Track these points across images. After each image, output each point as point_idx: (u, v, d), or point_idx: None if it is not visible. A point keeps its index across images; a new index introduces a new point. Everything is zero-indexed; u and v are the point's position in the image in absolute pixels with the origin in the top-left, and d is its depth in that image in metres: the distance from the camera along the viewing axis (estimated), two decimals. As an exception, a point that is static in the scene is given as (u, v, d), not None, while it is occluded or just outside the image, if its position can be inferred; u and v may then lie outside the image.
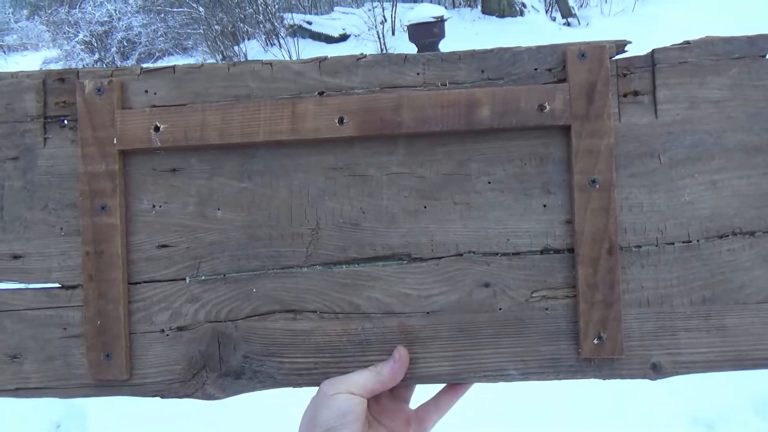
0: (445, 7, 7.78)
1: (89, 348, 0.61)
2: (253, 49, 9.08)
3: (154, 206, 0.63)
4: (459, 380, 0.62)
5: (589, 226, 0.59)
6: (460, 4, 9.32)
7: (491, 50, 0.63)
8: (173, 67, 0.63)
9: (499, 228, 0.62)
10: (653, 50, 0.63)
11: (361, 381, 0.58)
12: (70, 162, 0.63)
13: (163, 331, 0.62)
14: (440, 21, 6.15)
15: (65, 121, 0.63)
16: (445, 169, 0.62)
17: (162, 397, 0.62)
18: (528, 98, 0.60)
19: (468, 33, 7.72)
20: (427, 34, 6.16)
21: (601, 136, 0.60)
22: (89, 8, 14.59)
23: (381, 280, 0.62)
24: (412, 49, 6.45)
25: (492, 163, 0.62)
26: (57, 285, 0.63)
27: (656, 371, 0.60)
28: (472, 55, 0.62)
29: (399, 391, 0.64)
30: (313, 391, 0.61)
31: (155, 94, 0.63)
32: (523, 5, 8.21)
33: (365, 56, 0.63)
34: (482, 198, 0.62)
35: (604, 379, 0.61)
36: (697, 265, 0.61)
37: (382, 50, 7.45)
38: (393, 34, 8.33)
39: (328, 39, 9.13)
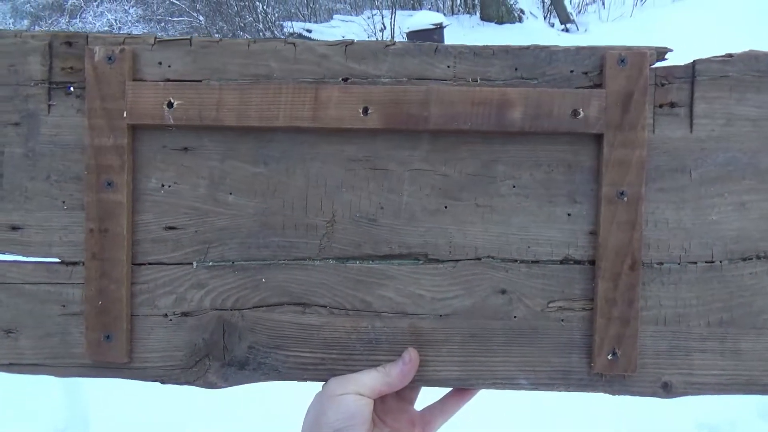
0: (444, 14, 7.81)
1: (89, 328, 0.59)
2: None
3: (162, 185, 0.60)
4: (467, 386, 0.61)
5: (614, 240, 0.58)
6: (458, 11, 9.36)
7: (527, 47, 0.60)
8: (190, 38, 0.60)
9: (520, 234, 0.60)
10: (695, 61, 0.61)
11: (369, 382, 0.57)
12: (75, 132, 0.60)
13: (166, 315, 0.60)
14: (439, 28, 6.17)
15: (71, 88, 0.60)
16: (470, 169, 0.60)
17: (162, 382, 0.60)
18: (562, 102, 0.58)
19: (467, 39, 7.73)
20: (426, 40, 6.17)
21: (634, 147, 0.58)
22: (90, 18, 14.65)
23: (395, 279, 0.60)
24: (411, 56, 6.46)
25: (519, 166, 0.60)
26: (57, 260, 0.60)
27: (667, 390, 0.59)
28: (507, 51, 0.60)
29: (405, 392, 0.63)
30: (317, 386, 0.60)
31: (169, 66, 0.60)
32: (522, 11, 8.25)
33: (395, 43, 0.61)
34: (506, 202, 0.60)
35: (613, 394, 0.60)
36: (718, 286, 0.60)
37: (381, 57, 7.46)
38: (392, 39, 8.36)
39: (328, 47, 9.16)
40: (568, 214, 0.60)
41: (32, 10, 18.64)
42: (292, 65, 0.60)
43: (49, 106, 0.60)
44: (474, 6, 9.02)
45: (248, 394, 2.27)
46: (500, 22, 8.24)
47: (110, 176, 0.58)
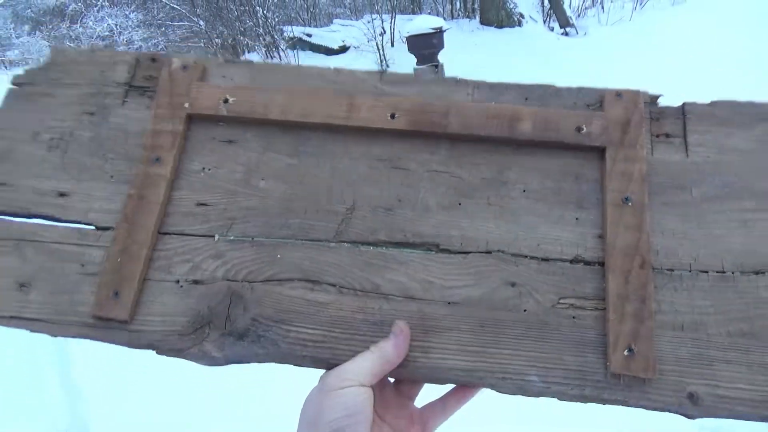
0: (444, 18, 7.84)
1: (101, 284, 0.60)
2: (254, 62, 9.12)
3: (203, 168, 0.66)
4: (475, 380, 0.57)
5: (621, 241, 0.59)
6: (458, 15, 9.40)
7: (537, 84, 0.67)
8: (252, 62, 0.71)
9: (530, 232, 0.62)
10: (684, 104, 0.66)
11: (368, 365, 0.54)
12: (140, 123, 0.68)
13: (178, 281, 0.62)
14: (439, 32, 6.19)
15: (146, 91, 0.70)
16: (484, 173, 0.64)
17: (156, 349, 0.59)
18: (567, 120, 0.64)
19: (467, 43, 7.77)
20: (426, 45, 6.20)
21: (635, 162, 0.62)
22: (90, 23, 14.70)
23: (406, 265, 0.61)
24: (411, 60, 6.48)
25: (529, 175, 0.64)
26: (90, 226, 0.64)
27: (694, 402, 0.56)
28: (519, 86, 0.68)
29: (405, 388, 0.62)
30: (314, 379, 0.58)
31: (232, 79, 0.69)
32: (521, 15, 8.27)
33: (421, 74, 0.70)
34: (516, 203, 0.63)
35: (632, 404, 0.56)
36: (733, 296, 0.59)
37: (381, 62, 7.49)
38: (392, 45, 8.39)
39: (328, 51, 9.19)
40: (576, 218, 0.62)
41: (33, 15, 18.72)
42: (334, 84, 0.69)
43: (124, 101, 0.69)
44: (474, 10, 9.05)
45: (248, 393, 2.26)
46: (500, 26, 8.27)
47: (160, 153, 0.65)
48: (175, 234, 0.64)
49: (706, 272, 0.60)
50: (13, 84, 0.71)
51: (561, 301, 0.59)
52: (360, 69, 0.70)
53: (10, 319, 0.61)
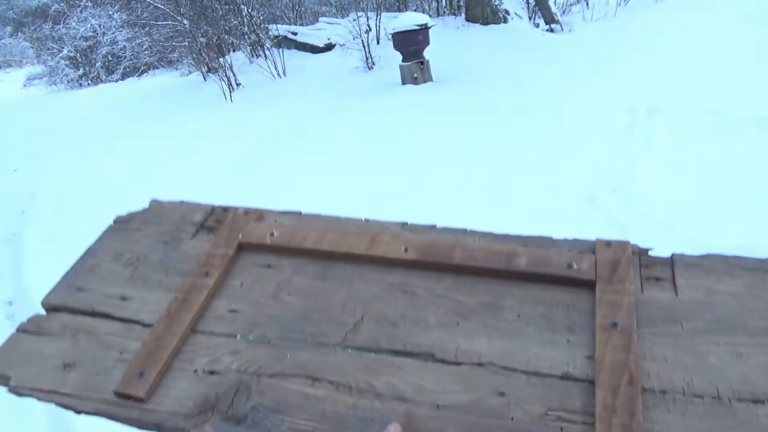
0: (429, 15, 7.83)
1: (130, 365, 0.68)
2: (239, 61, 9.07)
3: (242, 284, 0.77)
4: None
5: (610, 359, 0.61)
6: (444, 12, 9.39)
7: (535, 236, 0.76)
8: (300, 212, 0.85)
9: (522, 350, 0.65)
10: (672, 255, 0.70)
11: None
12: (202, 251, 0.81)
13: (196, 371, 0.68)
14: (424, 29, 6.18)
15: (214, 230, 0.84)
16: (483, 300, 0.71)
17: (160, 428, 0.63)
18: (559, 257, 0.71)
19: (452, 40, 7.76)
20: (411, 41, 6.19)
21: (623, 295, 0.65)
22: (74, 23, 14.54)
23: (401, 370, 0.65)
24: (396, 57, 6.47)
25: (524, 303, 0.69)
26: (138, 322, 0.73)
27: None
28: (519, 236, 0.76)
29: None
30: None
31: (281, 221, 0.85)
32: (507, 12, 8.29)
33: (435, 226, 0.80)
34: (510, 326, 0.67)
35: None
36: (731, 423, 0.56)
37: (367, 59, 7.47)
38: (378, 42, 8.37)
39: (314, 49, 9.15)
40: (567, 341, 0.65)
41: (15, 16, 18.45)
42: (363, 228, 0.81)
43: (194, 236, 0.84)
44: (459, 7, 9.05)
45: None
46: (485, 22, 8.28)
47: (210, 269, 0.77)
48: (205, 333, 0.72)
49: (701, 397, 0.58)
50: (114, 222, 0.88)
51: (549, 412, 0.59)
52: (387, 221, 0.82)
53: (48, 393, 0.69)
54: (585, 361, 0.62)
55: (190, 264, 0.79)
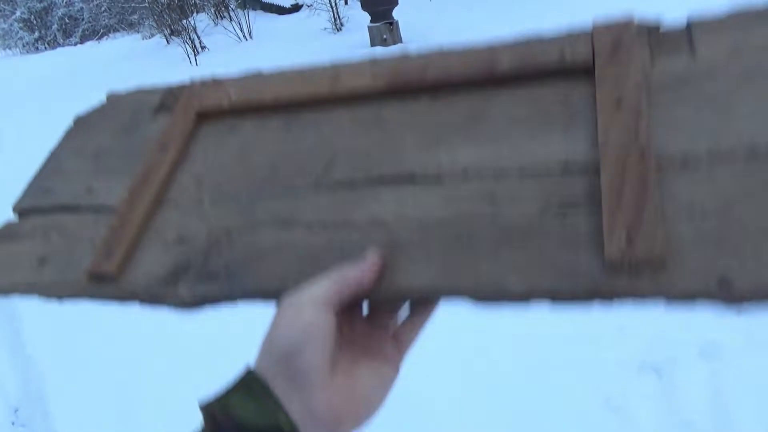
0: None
1: (99, 246, 0.68)
2: (202, 22, 8.77)
3: (204, 152, 0.75)
4: (448, 292, 0.52)
5: (615, 137, 0.53)
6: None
7: (519, 38, 0.67)
8: (261, 71, 0.79)
9: (513, 151, 0.58)
10: (688, 19, 0.60)
11: (326, 283, 0.50)
12: (160, 130, 0.79)
13: (166, 241, 0.67)
14: (393, -12, 6.05)
15: (172, 108, 0.81)
16: (465, 114, 0.63)
17: (139, 300, 0.64)
18: (549, 48, 0.61)
19: (422, 0, 7.63)
20: (380, 2, 6.06)
21: (628, 68, 0.56)
22: None
23: (379, 200, 0.61)
24: (365, 18, 6.34)
25: (513, 107, 0.61)
26: (107, 209, 0.73)
27: (726, 288, 0.44)
28: (501, 41, 0.69)
29: (377, 318, 0.58)
30: None
31: (239, 84, 0.80)
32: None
33: (407, 54, 0.74)
34: (499, 132, 0.60)
35: (645, 295, 0.45)
36: None
37: (335, 20, 7.30)
38: (346, 3, 8.17)
39: (280, 10, 8.90)
40: (565, 133, 0.57)
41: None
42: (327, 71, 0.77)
43: (153, 118, 0.81)
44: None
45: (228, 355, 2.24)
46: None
47: (169, 142, 0.75)
48: (170, 205, 0.71)
49: (732, 155, 0.51)
50: (74, 122, 0.87)
51: (548, 206, 0.53)
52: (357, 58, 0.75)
53: (26, 286, 0.70)
54: (587, 148, 0.55)
55: (151, 146, 0.78)
